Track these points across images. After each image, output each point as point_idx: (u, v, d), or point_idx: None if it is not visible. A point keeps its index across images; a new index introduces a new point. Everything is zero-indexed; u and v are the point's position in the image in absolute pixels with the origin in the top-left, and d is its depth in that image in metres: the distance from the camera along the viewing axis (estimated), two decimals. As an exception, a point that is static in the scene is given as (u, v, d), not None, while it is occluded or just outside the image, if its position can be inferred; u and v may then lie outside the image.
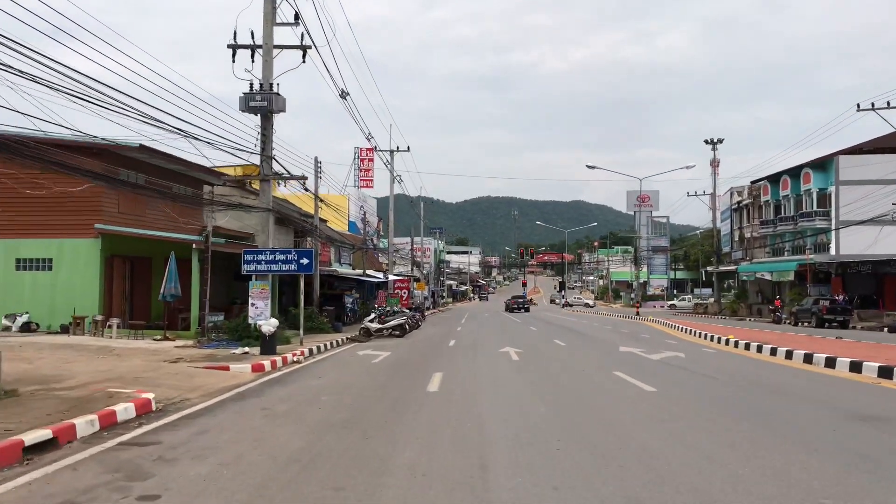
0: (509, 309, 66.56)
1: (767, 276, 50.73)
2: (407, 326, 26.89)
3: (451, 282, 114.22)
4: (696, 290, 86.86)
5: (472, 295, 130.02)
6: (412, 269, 61.09)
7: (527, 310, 65.70)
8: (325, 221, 34.31)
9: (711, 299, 71.62)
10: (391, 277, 43.49)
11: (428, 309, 68.28)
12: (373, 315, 26.37)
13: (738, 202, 59.47)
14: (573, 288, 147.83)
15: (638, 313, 49.42)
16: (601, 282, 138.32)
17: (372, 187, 57.10)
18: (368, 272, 38.35)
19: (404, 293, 45.93)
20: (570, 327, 33.86)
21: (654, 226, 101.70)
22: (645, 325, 35.72)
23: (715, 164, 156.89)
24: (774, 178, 52.79)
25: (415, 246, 73.39)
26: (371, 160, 57.20)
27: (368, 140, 32.75)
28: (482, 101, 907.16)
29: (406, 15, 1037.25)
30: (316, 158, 27.09)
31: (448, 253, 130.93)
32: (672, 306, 74.99)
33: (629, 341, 23.45)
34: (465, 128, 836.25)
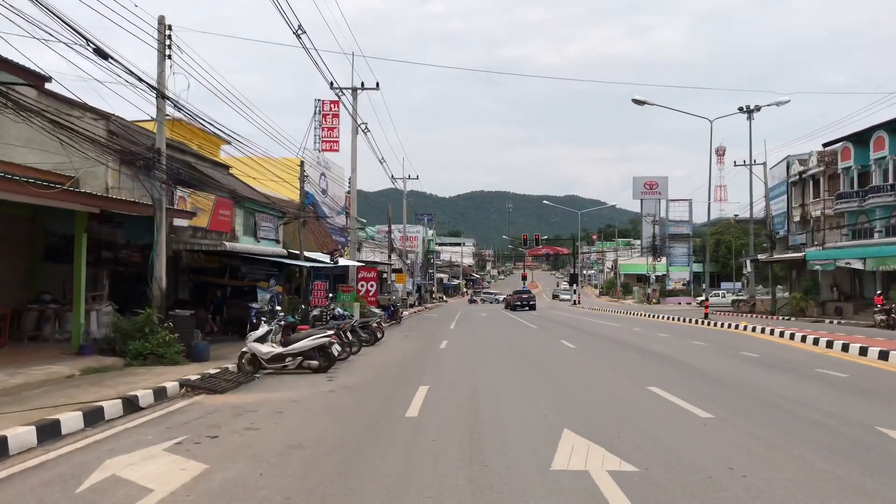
0: (511, 306, 53.08)
1: (856, 265, 37.30)
2: (337, 349, 13.25)
3: (442, 275, 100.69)
4: (724, 285, 73.54)
5: (464, 290, 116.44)
6: (389, 257, 47.44)
7: (532, 307, 52.22)
8: (226, 168, 20.67)
9: (744, 294, 58.54)
10: (350, 263, 29.87)
11: (412, 306, 54.76)
12: (267, 328, 12.72)
13: (801, 172, 45.96)
14: (561, 284, 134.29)
15: (707, 315, 35.65)
16: (603, 274, 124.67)
17: (337, 150, 43.41)
18: (309, 255, 24.77)
19: (371, 286, 32.34)
20: (632, 343, 20.24)
21: (668, 212, 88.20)
22: (761, 340, 21.77)
23: (721, 151, 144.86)
24: (860, 138, 39.23)
25: (399, 233, 59.57)
26: (336, 115, 43.51)
27: (297, 36, 18.97)
28: (475, 96, 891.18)
29: (399, 10, 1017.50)
30: (161, 18, 13.41)
31: (439, 245, 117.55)
32: (701, 304, 61.52)
33: (850, 397, 9.86)
34: (457, 122, 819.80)
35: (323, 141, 43.25)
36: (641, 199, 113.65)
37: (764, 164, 48.07)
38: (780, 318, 40.31)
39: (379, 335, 19.84)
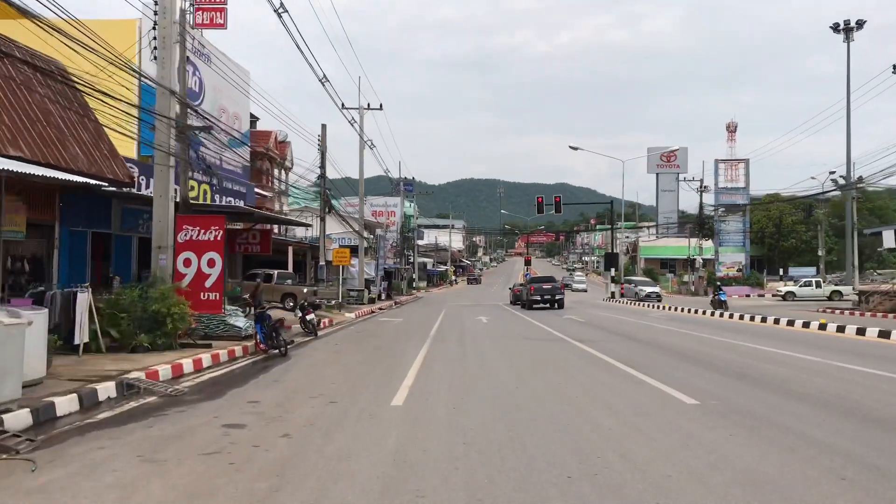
0: (525, 303, 32.87)
1: None
2: None
3: (427, 259, 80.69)
4: (794, 271, 53.88)
5: (454, 277, 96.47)
6: (322, 220, 27.07)
7: (559, 304, 32.22)
8: None
9: (839, 286, 39.40)
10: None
11: (375, 300, 34.83)
12: None
13: None
14: (573, 270, 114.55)
15: None
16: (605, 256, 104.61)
17: (223, 26, 23.20)
18: None
19: (209, 265, 12.12)
20: None
21: (718, 175, 67.88)
22: None
23: (732, 128, 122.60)
24: None
25: (378, 208, 39.35)
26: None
27: None
28: (466, 85, 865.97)
29: None
30: None
31: (426, 227, 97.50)
32: (787, 296, 41.76)
33: None
34: (448, 111, 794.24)
35: (198, 8, 22.98)
36: (657, 174, 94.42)
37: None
38: None
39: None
